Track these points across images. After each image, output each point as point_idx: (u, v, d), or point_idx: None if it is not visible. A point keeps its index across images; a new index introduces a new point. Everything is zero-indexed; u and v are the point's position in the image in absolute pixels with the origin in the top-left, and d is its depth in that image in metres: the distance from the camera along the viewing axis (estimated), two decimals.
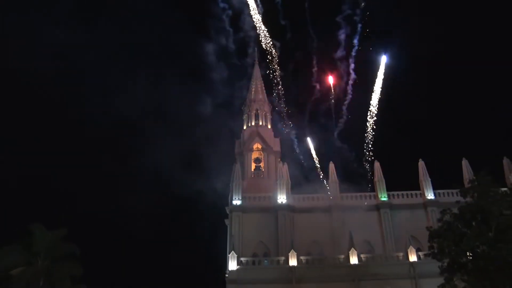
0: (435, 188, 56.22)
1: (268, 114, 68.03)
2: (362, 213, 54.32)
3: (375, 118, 57.03)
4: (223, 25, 64.05)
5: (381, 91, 57.24)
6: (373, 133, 57.27)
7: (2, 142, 77.04)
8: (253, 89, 69.71)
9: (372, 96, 57.79)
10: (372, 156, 58.59)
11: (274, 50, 58.30)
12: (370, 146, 57.63)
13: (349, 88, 61.28)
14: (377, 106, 57.48)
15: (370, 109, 57.56)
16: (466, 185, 40.10)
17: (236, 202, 55.68)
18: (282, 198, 55.76)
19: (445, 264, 34.95)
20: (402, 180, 59.87)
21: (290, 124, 60.58)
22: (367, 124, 57.77)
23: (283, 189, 56.18)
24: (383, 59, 60.37)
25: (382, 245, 53.63)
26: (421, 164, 57.84)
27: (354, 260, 49.09)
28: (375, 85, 58.22)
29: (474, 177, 36.88)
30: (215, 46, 69.18)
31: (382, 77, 58.78)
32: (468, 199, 35.70)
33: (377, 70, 59.41)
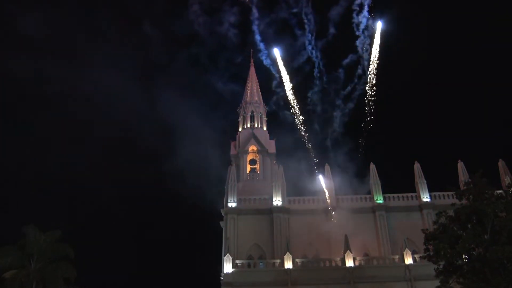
0: (430, 190, 56.19)
1: (263, 116, 68.02)
2: (358, 215, 54.21)
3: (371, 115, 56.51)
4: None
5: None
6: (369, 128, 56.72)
7: None
8: (249, 91, 69.74)
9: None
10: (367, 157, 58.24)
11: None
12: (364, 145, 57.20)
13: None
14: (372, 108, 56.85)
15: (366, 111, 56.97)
16: (462, 187, 40.08)
17: (232, 204, 55.46)
18: (277, 200, 55.56)
19: (441, 266, 34.91)
20: (398, 182, 59.90)
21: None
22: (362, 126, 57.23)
23: (279, 191, 55.96)
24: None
25: (377, 247, 53.52)
26: (416, 166, 57.75)
27: (349, 262, 48.94)
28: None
29: (470, 179, 36.83)
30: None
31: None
32: (464, 201, 35.65)
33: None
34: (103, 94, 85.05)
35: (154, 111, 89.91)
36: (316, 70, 58.87)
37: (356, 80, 58.16)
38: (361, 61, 56.96)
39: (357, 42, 54.86)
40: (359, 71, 57.72)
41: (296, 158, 59.98)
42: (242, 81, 72.06)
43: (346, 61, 59.07)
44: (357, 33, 54.93)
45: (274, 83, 60.73)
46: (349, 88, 59.01)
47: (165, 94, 76.99)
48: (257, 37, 56.98)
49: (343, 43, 59.49)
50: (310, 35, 57.24)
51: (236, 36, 63.70)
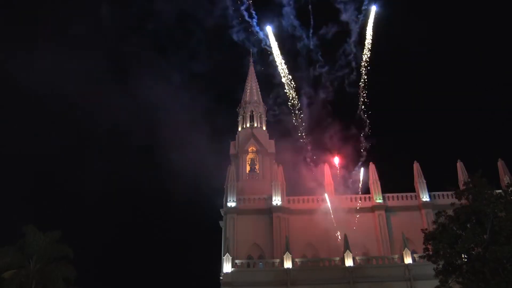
0: (430, 190, 56.20)
1: (263, 115, 67.89)
2: (357, 215, 54.19)
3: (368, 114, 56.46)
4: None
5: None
6: (369, 131, 56.69)
7: None
8: (248, 91, 69.64)
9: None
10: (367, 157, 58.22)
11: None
12: (365, 146, 57.14)
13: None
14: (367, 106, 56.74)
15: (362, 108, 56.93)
16: (461, 187, 40.05)
17: (231, 204, 55.43)
18: (277, 200, 55.54)
19: (440, 266, 34.91)
20: (397, 182, 59.82)
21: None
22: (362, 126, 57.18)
23: (278, 191, 55.94)
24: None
25: (377, 247, 53.56)
26: (416, 166, 57.76)
27: (349, 262, 48.92)
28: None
29: (469, 179, 36.79)
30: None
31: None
32: (463, 201, 35.66)
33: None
34: (86, 92, 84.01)
35: (142, 107, 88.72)
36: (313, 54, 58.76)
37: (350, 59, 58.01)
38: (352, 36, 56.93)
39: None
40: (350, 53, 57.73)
41: (296, 157, 60.13)
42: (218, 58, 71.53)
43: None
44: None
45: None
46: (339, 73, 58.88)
47: (148, 87, 75.99)
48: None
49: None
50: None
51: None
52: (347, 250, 49.32)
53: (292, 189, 57.62)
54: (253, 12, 53.72)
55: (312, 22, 57.22)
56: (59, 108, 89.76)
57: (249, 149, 63.90)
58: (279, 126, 65.07)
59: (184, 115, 70.72)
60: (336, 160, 58.84)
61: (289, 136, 61.46)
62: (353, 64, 57.52)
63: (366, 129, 56.13)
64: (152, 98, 77.11)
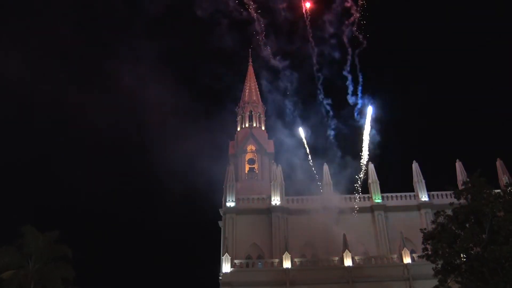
0: (429, 189, 56.25)
1: (262, 115, 67.93)
2: (356, 215, 54.23)
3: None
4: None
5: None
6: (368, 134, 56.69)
7: None
8: (247, 91, 69.68)
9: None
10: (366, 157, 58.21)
11: None
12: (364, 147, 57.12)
13: None
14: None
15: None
16: (460, 186, 40.14)
17: (230, 204, 55.41)
18: (276, 200, 55.55)
19: (439, 265, 34.92)
20: (396, 181, 59.90)
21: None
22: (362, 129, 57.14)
23: (277, 191, 55.95)
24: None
25: (376, 247, 53.57)
26: (415, 165, 57.83)
27: (348, 262, 48.94)
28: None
29: (468, 179, 36.84)
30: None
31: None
32: (462, 200, 35.67)
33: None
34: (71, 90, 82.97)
35: (135, 105, 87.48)
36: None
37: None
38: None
39: None
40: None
41: (295, 157, 60.08)
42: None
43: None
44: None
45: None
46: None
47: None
48: None
49: None
50: None
51: None
52: (346, 250, 49.34)
53: (291, 188, 57.69)
54: None
55: None
56: (49, 107, 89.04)
57: (248, 149, 63.95)
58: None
59: (181, 113, 70.38)
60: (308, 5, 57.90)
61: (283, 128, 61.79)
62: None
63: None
64: (141, 96, 76.03)
